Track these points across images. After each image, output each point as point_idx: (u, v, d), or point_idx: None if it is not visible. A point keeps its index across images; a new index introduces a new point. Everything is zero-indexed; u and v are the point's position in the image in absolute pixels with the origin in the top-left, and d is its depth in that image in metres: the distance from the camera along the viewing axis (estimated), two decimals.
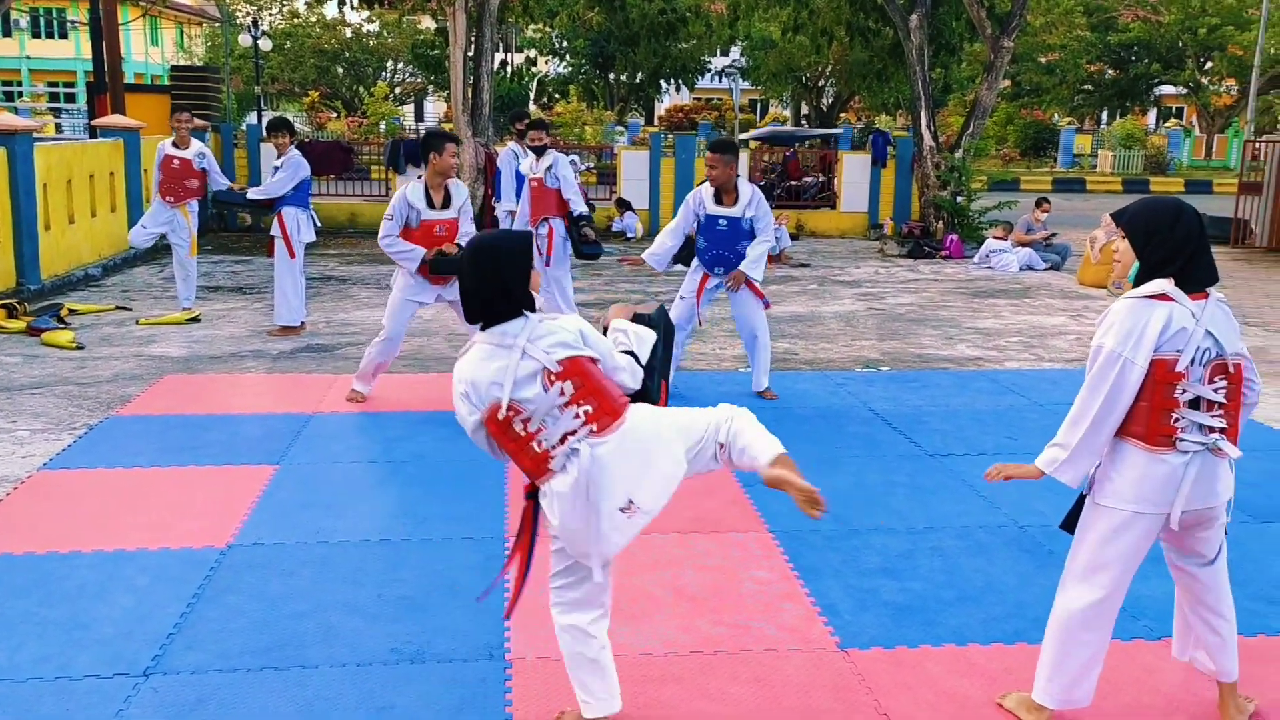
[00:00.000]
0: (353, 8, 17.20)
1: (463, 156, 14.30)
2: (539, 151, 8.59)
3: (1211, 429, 3.02)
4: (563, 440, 2.92)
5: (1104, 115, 49.05)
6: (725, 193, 6.72)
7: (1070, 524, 3.26)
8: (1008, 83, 39.03)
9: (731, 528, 4.85)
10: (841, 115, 38.88)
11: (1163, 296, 2.98)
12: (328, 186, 17.12)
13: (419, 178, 6.64)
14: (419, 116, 48.04)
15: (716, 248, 6.81)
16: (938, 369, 8.14)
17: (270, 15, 42.79)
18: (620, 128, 33.86)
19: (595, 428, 2.92)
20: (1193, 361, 2.98)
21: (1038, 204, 14.31)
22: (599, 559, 2.99)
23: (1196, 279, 3.02)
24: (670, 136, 17.57)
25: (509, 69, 18.53)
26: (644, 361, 3.23)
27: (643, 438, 2.96)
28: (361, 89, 36.72)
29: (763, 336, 7.03)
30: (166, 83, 18.21)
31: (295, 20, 39.95)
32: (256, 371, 7.62)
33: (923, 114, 15.58)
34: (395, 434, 6.11)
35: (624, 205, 16.30)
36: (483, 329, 2.99)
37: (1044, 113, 42.70)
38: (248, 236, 15.08)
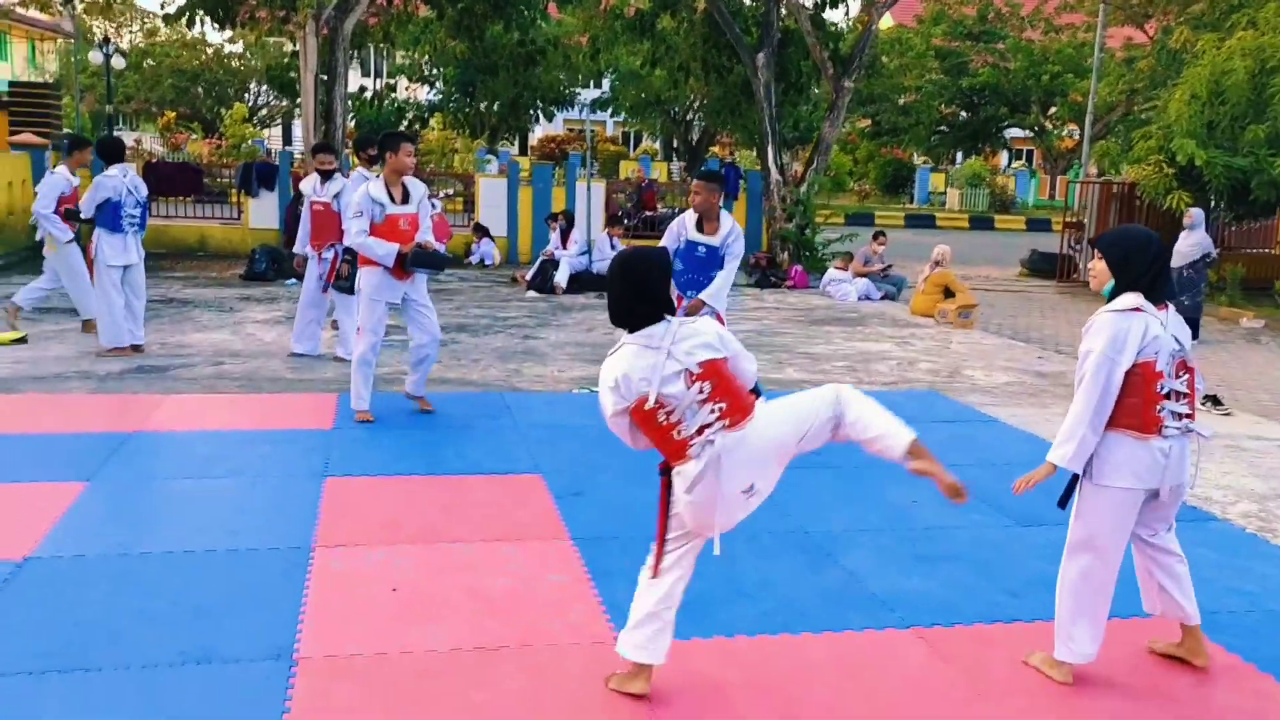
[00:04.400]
0: (213, 27, 16.98)
1: None
2: (325, 175, 8.74)
3: (1182, 415, 3.64)
4: (700, 431, 3.34)
5: (959, 155, 51.43)
6: (707, 220, 6.98)
7: (1064, 502, 3.83)
8: (868, 122, 40.66)
9: (537, 536, 5.07)
10: (711, 149, 39.83)
11: (1136, 309, 3.59)
12: (178, 208, 16.80)
13: (378, 175, 6.79)
14: (286, 139, 47.23)
15: (692, 272, 7.08)
16: (766, 391, 8.52)
17: (130, 33, 41.60)
18: (490, 155, 34.02)
19: (728, 422, 3.35)
20: (1167, 361, 3.60)
21: (875, 237, 15.05)
22: (719, 531, 3.43)
23: (1161, 293, 3.65)
24: (525, 165, 17.81)
25: (368, 94, 18.49)
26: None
27: (765, 432, 3.39)
28: (223, 110, 36.01)
29: None
30: (4, 99, 17.59)
31: (154, 39, 38.92)
32: (80, 392, 7.51)
33: (769, 150, 16.22)
34: (216, 452, 6.13)
35: (481, 231, 16.47)
36: (629, 331, 3.43)
37: (903, 151, 44.55)
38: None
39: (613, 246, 14.56)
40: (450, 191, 19.98)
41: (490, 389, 8.08)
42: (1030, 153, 54.47)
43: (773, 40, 16.36)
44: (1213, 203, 15.88)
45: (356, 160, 9.78)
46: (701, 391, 3.35)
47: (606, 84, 36.10)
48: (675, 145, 41.00)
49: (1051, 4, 37.00)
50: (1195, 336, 12.75)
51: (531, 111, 27.92)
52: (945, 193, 40.25)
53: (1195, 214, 12.72)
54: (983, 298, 15.23)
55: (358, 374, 6.89)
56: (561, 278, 13.78)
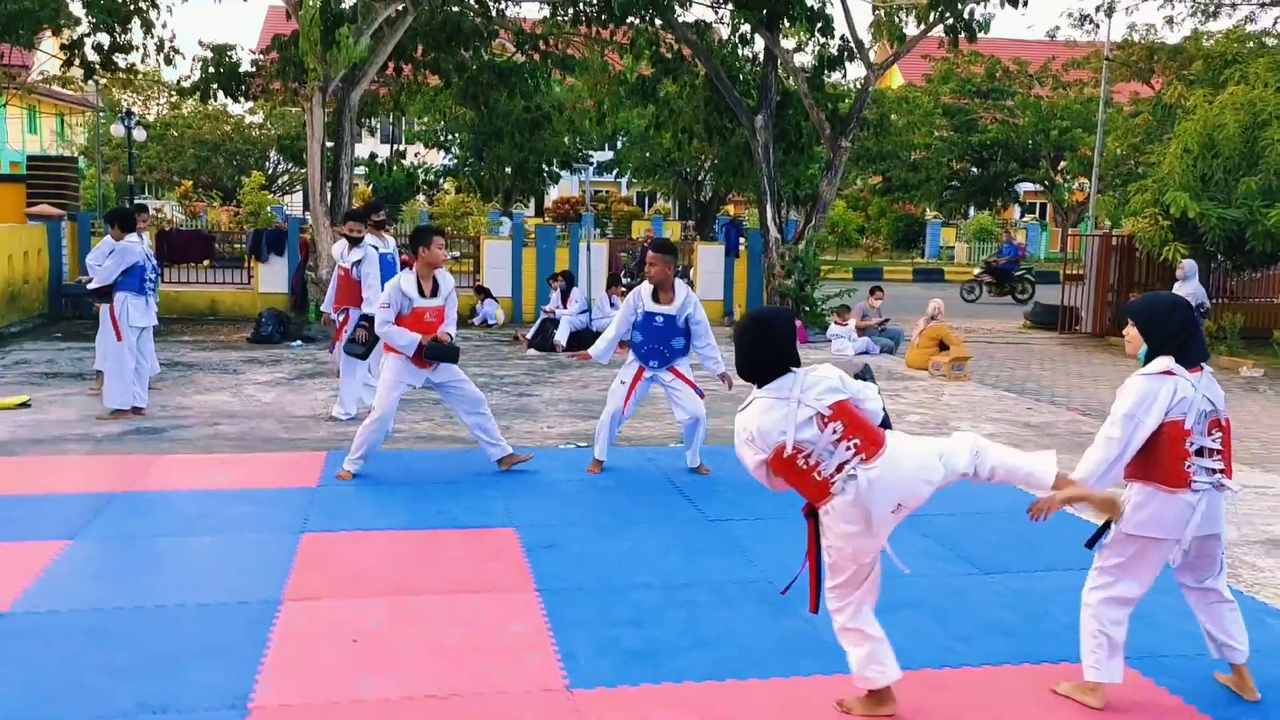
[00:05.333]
0: (227, 101, 17.48)
1: (321, 246, 14.62)
2: (354, 242, 9.03)
3: (1213, 470, 3.86)
4: (839, 469, 3.61)
5: (971, 210, 51.68)
6: (662, 290, 7.23)
7: (1092, 544, 4.06)
8: (879, 178, 41.04)
9: (503, 588, 5.17)
10: (723, 208, 40.27)
11: (1167, 372, 3.83)
12: (191, 274, 17.19)
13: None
14: (306, 205, 48.05)
15: (652, 342, 7.29)
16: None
17: (158, 105, 42.71)
18: (504, 218, 34.54)
19: (864, 456, 3.61)
20: (1196, 420, 3.83)
21: (872, 292, 15.20)
22: (874, 554, 3.75)
23: (1193, 357, 3.90)
24: (532, 228, 18.15)
25: (379, 161, 18.97)
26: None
27: (904, 463, 3.65)
28: (243, 179, 36.84)
29: (702, 420, 7.47)
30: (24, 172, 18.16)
31: (177, 112, 39.97)
32: (77, 454, 7.70)
33: (768, 208, 16.47)
34: (200, 510, 6.28)
35: (483, 292, 16.73)
36: (759, 386, 3.70)
37: (915, 207, 44.85)
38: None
39: (612, 305, 14.78)
40: (457, 254, 20.34)
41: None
42: (1043, 206, 54.69)
43: (771, 102, 16.68)
44: (1215, 254, 15.96)
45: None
46: (835, 432, 3.60)
47: (620, 145, 36.67)
48: (688, 205, 41.47)
49: (1059, 61, 37.39)
50: None
51: (540, 175, 28.42)
52: (954, 247, 40.46)
53: (1188, 265, 12.85)
54: (984, 350, 15.31)
55: (360, 435, 7.06)
56: (561, 336, 13.97)
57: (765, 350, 3.71)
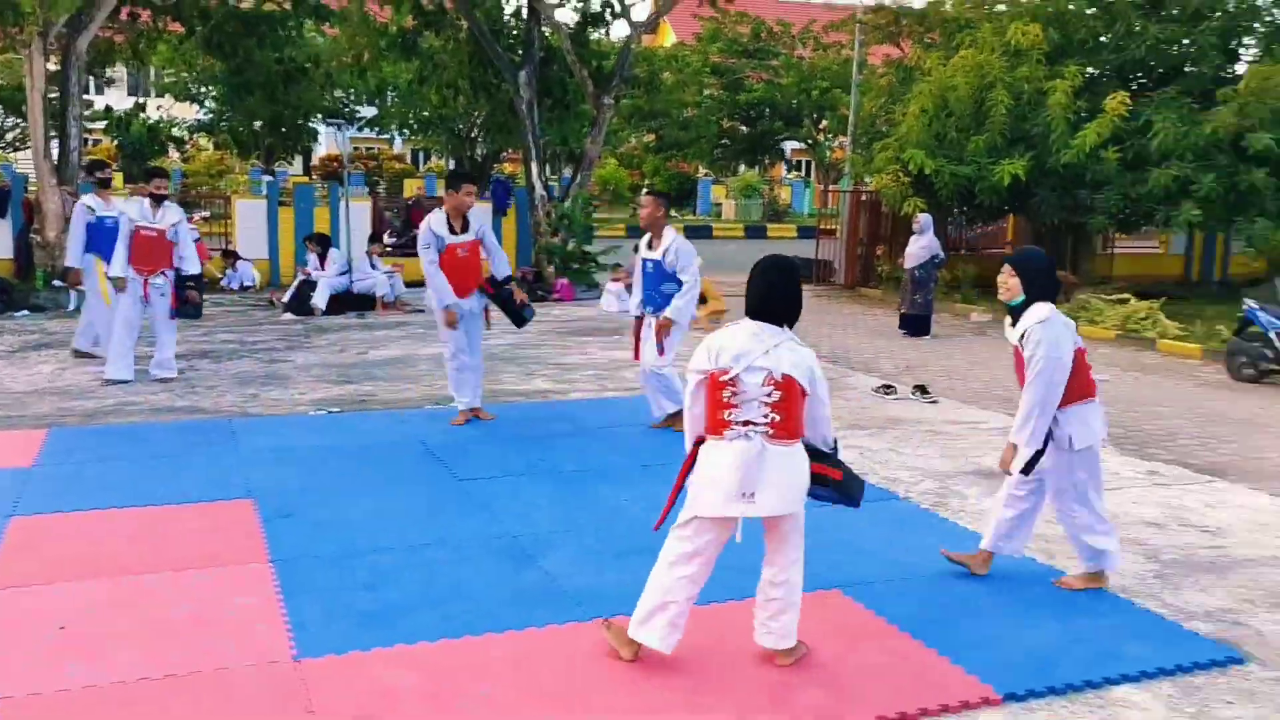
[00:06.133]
0: None
1: (47, 206, 13.51)
2: (158, 200, 8.92)
3: None
4: (745, 424, 3.72)
5: (741, 167, 53.28)
6: (654, 236, 7.30)
7: (1027, 470, 4.60)
8: (652, 136, 41.62)
9: (234, 561, 4.98)
10: (497, 166, 39.78)
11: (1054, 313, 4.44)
12: None
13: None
14: None
15: (646, 288, 7.41)
16: (508, 402, 8.62)
17: None
18: (266, 176, 32.87)
19: (772, 433, 3.72)
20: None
21: (636, 249, 15.43)
22: (704, 509, 3.80)
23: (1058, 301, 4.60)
24: (292, 187, 17.37)
25: (116, 114, 17.55)
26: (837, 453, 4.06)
27: (795, 470, 3.79)
28: None
29: (650, 373, 7.59)
30: None
31: None
32: None
33: (533, 165, 16.42)
34: None
35: (232, 255, 15.94)
36: (752, 318, 3.83)
37: (689, 165, 45.80)
38: None
39: (373, 266, 14.43)
40: (207, 213, 19.19)
41: (220, 416, 7.85)
42: (809, 164, 57.08)
43: (535, 59, 16.57)
44: (950, 208, 17.11)
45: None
46: (769, 396, 3.72)
47: (389, 101, 35.48)
48: (463, 163, 40.70)
49: (819, 24, 38.86)
50: (928, 332, 13.72)
51: (299, 130, 27.16)
52: (721, 204, 41.74)
53: (923, 219, 13.69)
54: (741, 303, 15.86)
55: (451, 381, 7.75)
56: (320, 299, 13.51)
57: (782, 292, 3.86)
